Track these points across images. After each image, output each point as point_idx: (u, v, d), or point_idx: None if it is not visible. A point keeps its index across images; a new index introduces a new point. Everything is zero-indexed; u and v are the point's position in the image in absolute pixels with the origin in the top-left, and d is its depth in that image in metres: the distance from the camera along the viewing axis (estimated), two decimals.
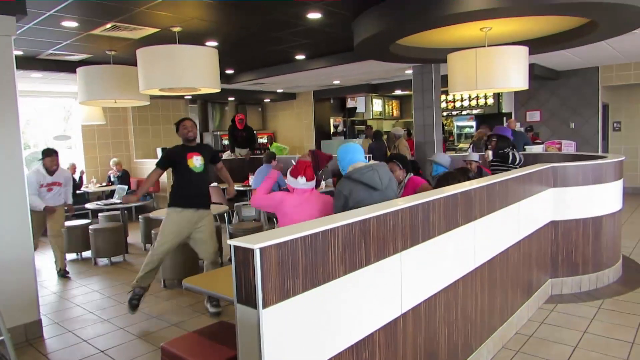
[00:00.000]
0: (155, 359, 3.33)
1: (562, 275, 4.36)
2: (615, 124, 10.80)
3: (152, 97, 6.73)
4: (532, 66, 8.28)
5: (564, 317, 3.89)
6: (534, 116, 10.61)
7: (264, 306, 1.67)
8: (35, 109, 10.19)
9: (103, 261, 6.24)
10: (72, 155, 9.94)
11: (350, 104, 13.14)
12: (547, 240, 4.26)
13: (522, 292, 3.79)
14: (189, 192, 4.17)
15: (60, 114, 10.55)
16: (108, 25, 5.14)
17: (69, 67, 6.77)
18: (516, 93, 10.58)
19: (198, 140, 4.42)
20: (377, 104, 13.29)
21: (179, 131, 4.26)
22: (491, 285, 3.26)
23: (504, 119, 10.77)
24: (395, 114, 14.03)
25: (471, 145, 8.97)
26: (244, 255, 1.68)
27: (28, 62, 6.76)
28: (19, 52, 6.25)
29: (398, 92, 12.31)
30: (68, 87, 8.90)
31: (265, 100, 13.10)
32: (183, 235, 4.18)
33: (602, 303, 4.13)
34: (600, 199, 4.44)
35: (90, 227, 6.25)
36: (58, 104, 10.33)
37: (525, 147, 7.73)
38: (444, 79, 7.30)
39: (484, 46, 4.59)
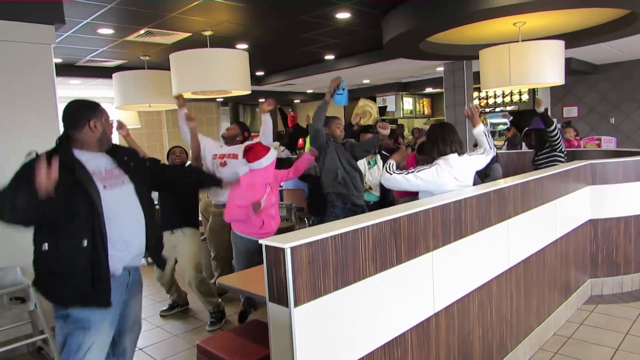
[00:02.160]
0: (191, 357, 3.40)
1: (603, 275, 4.21)
2: None
3: (185, 100, 6.87)
4: (568, 60, 8.02)
5: (604, 318, 3.76)
6: (571, 112, 10.28)
7: (296, 305, 1.69)
8: None
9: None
10: None
11: (380, 103, 13.07)
12: (586, 239, 4.12)
13: (560, 292, 3.68)
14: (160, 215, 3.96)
15: None
16: (142, 31, 5.28)
17: (105, 73, 7.00)
18: (552, 88, 10.27)
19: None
20: (408, 103, 13.15)
21: (168, 158, 4.25)
22: (527, 285, 3.19)
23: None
24: (426, 112, 13.86)
25: (506, 143, 8.77)
26: (275, 255, 1.70)
27: (67, 70, 7.03)
28: (58, 60, 6.50)
29: (429, 90, 12.15)
30: (105, 92, 9.20)
31: (296, 101, 13.17)
32: (172, 259, 4.05)
33: None
34: None
35: None
36: None
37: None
38: (476, 76, 7.17)
39: (518, 41, 4.49)
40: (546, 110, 4.75)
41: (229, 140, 4.26)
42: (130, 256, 2.25)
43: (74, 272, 2.04)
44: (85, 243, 2.03)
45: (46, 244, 2.06)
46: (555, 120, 4.83)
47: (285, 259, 1.66)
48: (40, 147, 3.75)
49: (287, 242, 1.66)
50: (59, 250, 2.05)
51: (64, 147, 2.14)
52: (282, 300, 1.71)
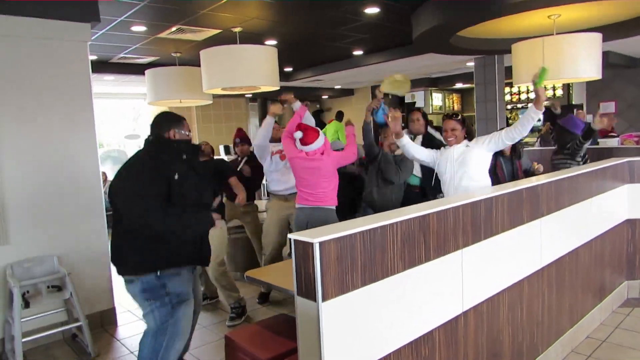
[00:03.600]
0: (220, 348, 3.44)
1: None
2: None
3: (215, 96, 6.96)
4: (605, 54, 7.75)
5: None
6: (608, 107, 9.93)
7: (324, 299, 1.69)
8: (106, 110, 10.85)
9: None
10: None
11: (409, 98, 12.92)
12: (623, 239, 3.99)
13: (594, 294, 3.58)
14: None
15: (130, 115, 11.19)
16: (173, 29, 5.38)
17: (138, 69, 7.14)
18: (588, 83, 9.93)
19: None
20: (437, 98, 12.95)
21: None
22: (559, 285, 3.11)
23: (575, 110, 10.17)
24: (456, 108, 13.62)
25: (538, 139, 8.55)
26: (304, 250, 1.71)
27: (101, 66, 7.22)
28: (93, 57, 6.68)
29: (459, 85, 11.94)
30: (137, 88, 9.41)
31: (323, 97, 13.17)
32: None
33: None
34: None
35: None
36: (128, 104, 10.95)
37: (598, 141, 7.25)
38: (508, 71, 7.01)
39: (552, 34, 4.36)
40: (589, 125, 4.57)
41: (275, 140, 4.30)
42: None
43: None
44: None
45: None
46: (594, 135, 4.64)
47: (314, 254, 1.66)
48: (76, 142, 3.90)
49: (316, 237, 1.67)
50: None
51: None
52: (310, 294, 1.72)
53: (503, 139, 3.24)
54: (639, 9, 4.70)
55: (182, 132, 2.63)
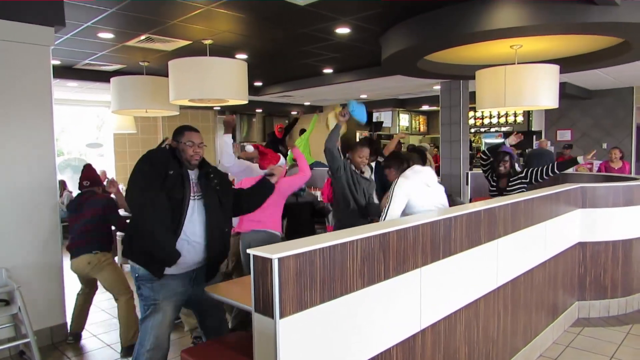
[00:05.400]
0: None
1: (590, 298, 4.22)
2: None
3: (182, 108, 6.90)
4: (563, 85, 8.13)
5: (590, 341, 3.76)
6: (564, 135, 10.39)
7: (281, 316, 1.68)
8: (67, 118, 10.53)
9: (128, 267, 6.35)
10: (103, 163, 10.23)
11: (376, 118, 13.13)
12: (575, 261, 4.14)
13: (547, 313, 3.69)
14: None
15: (93, 122, 10.90)
16: (142, 37, 5.31)
17: (104, 77, 7.00)
18: (547, 111, 10.39)
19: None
20: (404, 119, 13.24)
21: None
22: (514, 305, 3.19)
23: (534, 137, 10.58)
24: (422, 129, 13.94)
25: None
26: (263, 265, 1.70)
27: (65, 72, 7.03)
28: (57, 62, 6.51)
29: (425, 107, 12.24)
30: (102, 96, 9.20)
31: (292, 113, 13.22)
32: None
33: (631, 328, 3.98)
34: (631, 222, 4.30)
35: (117, 233, 6.38)
36: (92, 112, 10.68)
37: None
38: (473, 96, 7.24)
39: (514, 63, 4.55)
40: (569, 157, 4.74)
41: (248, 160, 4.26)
42: (197, 257, 2.62)
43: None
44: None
45: None
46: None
47: (273, 270, 1.66)
48: (32, 149, 3.75)
49: (275, 253, 1.66)
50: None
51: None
52: (267, 311, 1.70)
53: None
54: (593, 45, 4.97)
55: (179, 142, 2.65)
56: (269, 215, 3.62)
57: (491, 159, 4.76)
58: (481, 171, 5.06)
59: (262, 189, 2.99)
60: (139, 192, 2.48)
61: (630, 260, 4.31)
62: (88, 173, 4.05)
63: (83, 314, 4.00)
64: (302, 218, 4.33)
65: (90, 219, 3.73)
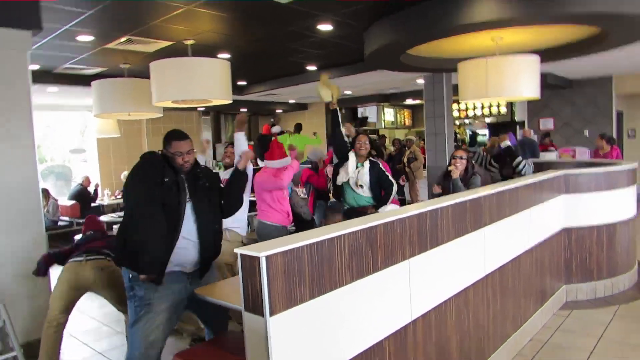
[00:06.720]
0: None
1: (577, 281, 4.30)
2: (630, 131, 10.69)
3: (166, 109, 6.83)
4: (545, 75, 8.23)
5: (579, 323, 3.84)
6: (547, 124, 10.53)
7: (271, 314, 1.69)
8: (49, 125, 10.38)
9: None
10: (87, 168, 10.10)
11: (361, 113, 13.16)
12: (560, 246, 4.21)
13: (536, 298, 3.74)
14: None
15: (76, 128, 10.75)
16: (123, 39, 5.25)
17: (84, 80, 6.91)
18: (529, 101, 10.52)
19: None
20: (389, 114, 13.29)
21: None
22: (503, 292, 3.23)
23: (517, 126, 10.69)
24: (407, 123, 14.01)
25: (485, 153, 8.91)
26: (251, 264, 1.70)
27: (44, 76, 6.91)
28: (35, 67, 6.40)
29: (410, 101, 12.31)
30: (83, 100, 9.07)
31: (278, 111, 13.19)
32: None
33: (618, 309, 4.07)
34: (614, 206, 4.39)
35: None
36: (74, 117, 10.53)
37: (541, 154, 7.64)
38: (456, 88, 7.29)
39: (495, 55, 4.59)
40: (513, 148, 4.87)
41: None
42: (191, 259, 2.66)
43: None
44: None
45: None
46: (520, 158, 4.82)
47: (261, 268, 1.66)
48: (12, 157, 3.67)
49: (262, 251, 1.66)
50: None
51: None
52: (257, 309, 1.70)
53: None
54: (573, 36, 5.04)
55: (167, 150, 2.72)
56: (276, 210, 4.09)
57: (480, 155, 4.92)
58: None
59: (237, 179, 3.03)
60: (136, 204, 2.53)
61: (614, 244, 4.39)
62: (93, 225, 3.70)
63: (56, 352, 3.20)
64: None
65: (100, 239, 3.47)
